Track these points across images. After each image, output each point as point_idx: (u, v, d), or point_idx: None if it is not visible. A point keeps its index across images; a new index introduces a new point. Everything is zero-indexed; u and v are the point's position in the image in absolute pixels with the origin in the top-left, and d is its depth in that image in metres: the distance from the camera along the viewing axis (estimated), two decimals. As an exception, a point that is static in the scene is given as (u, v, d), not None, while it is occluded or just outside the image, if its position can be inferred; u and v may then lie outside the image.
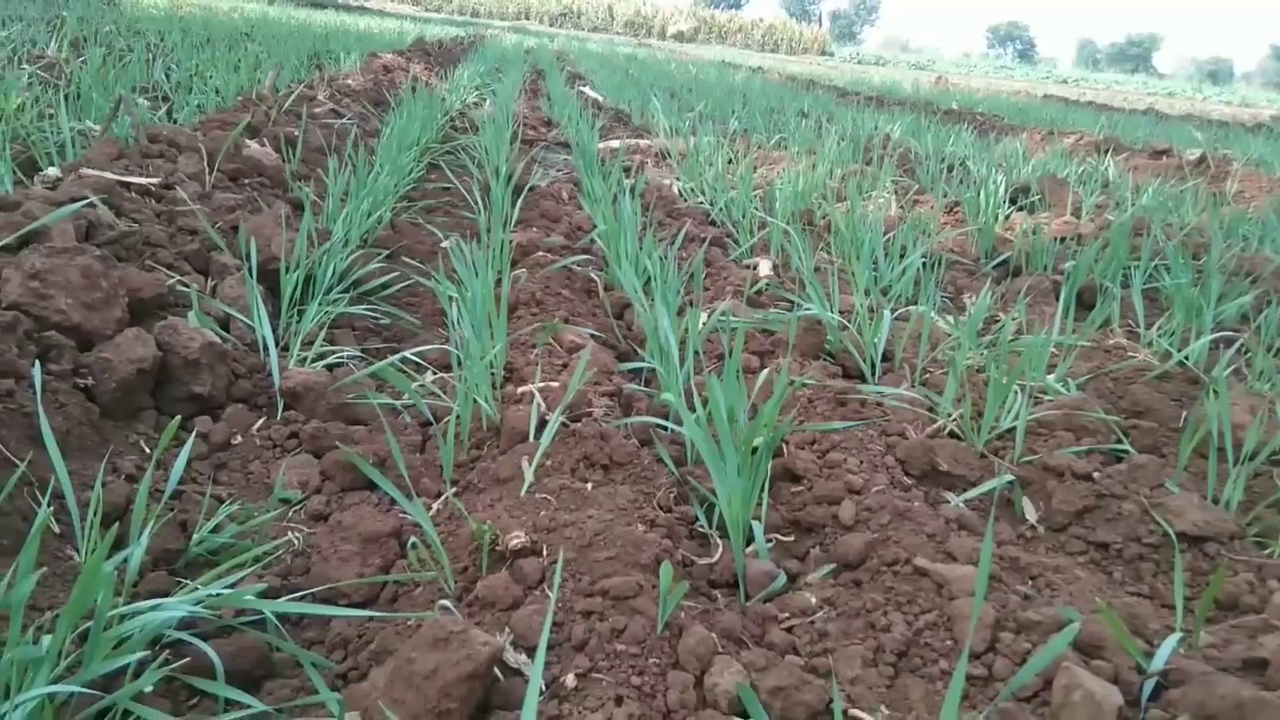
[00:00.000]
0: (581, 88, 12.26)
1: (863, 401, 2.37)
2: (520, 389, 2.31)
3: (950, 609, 1.60)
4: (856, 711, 1.46)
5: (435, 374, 2.56)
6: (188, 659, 1.38)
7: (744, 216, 4.30)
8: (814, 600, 1.73)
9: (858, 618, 1.65)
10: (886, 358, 2.78)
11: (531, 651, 1.42)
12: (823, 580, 1.79)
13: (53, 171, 2.84)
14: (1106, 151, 8.37)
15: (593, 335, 2.75)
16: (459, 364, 2.43)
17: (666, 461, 2.02)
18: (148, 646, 1.36)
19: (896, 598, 1.66)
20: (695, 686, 1.42)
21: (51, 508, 1.62)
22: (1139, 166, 8.02)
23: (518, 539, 1.59)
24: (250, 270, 2.61)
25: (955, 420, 2.33)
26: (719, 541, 1.85)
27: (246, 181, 3.55)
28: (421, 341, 2.89)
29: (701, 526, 1.94)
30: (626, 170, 5.87)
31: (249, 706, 1.33)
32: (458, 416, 2.17)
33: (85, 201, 2.21)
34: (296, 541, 1.87)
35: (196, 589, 1.49)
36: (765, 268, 3.61)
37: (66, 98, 4.87)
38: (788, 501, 2.05)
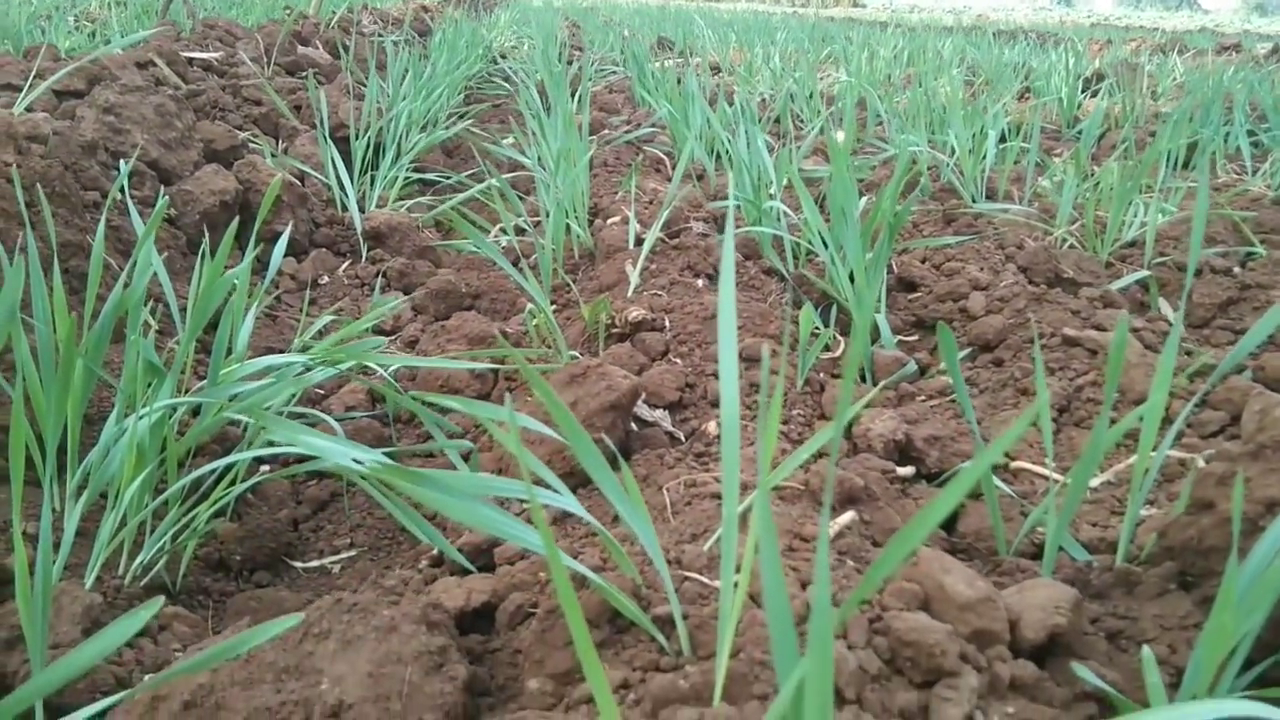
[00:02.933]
0: (620, 31, 12.05)
1: (975, 216, 2.23)
2: (610, 220, 2.21)
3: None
4: (1020, 463, 1.35)
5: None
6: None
7: (810, 98, 4.14)
8: (952, 381, 1.61)
9: (1004, 389, 1.54)
10: (989, 195, 2.63)
11: (668, 408, 1.33)
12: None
13: (116, 50, 2.77)
14: (1171, 51, 8.03)
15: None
16: (545, 212, 2.33)
17: (775, 262, 1.90)
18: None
19: (1047, 365, 1.54)
20: (845, 437, 1.31)
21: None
22: (1208, 63, 7.67)
23: (637, 312, 1.49)
24: (323, 129, 2.53)
25: (1074, 232, 2.19)
26: (840, 339, 1.74)
27: (303, 74, 3.47)
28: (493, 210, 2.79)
29: (819, 327, 1.82)
30: (680, 80, 5.73)
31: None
32: (551, 251, 2.08)
33: (148, 35, 2.13)
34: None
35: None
36: (842, 136, 3.46)
37: (119, 22, 4.83)
38: (905, 307, 1.92)
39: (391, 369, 1.55)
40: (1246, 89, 4.28)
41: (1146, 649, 0.80)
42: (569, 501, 0.83)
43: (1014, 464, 1.36)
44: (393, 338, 1.97)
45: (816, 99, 4.08)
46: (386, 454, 1.31)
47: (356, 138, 2.69)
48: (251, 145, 2.42)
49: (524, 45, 9.38)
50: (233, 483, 1.11)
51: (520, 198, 2.86)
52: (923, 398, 1.58)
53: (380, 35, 5.42)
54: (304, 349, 1.68)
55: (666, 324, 1.51)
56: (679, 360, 1.43)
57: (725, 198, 2.75)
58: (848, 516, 0.95)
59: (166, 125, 2.06)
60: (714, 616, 0.80)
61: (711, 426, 1.27)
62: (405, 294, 2.09)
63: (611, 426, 1.19)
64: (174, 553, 1.09)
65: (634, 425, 1.28)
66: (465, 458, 1.43)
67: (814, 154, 3.13)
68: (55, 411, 1.00)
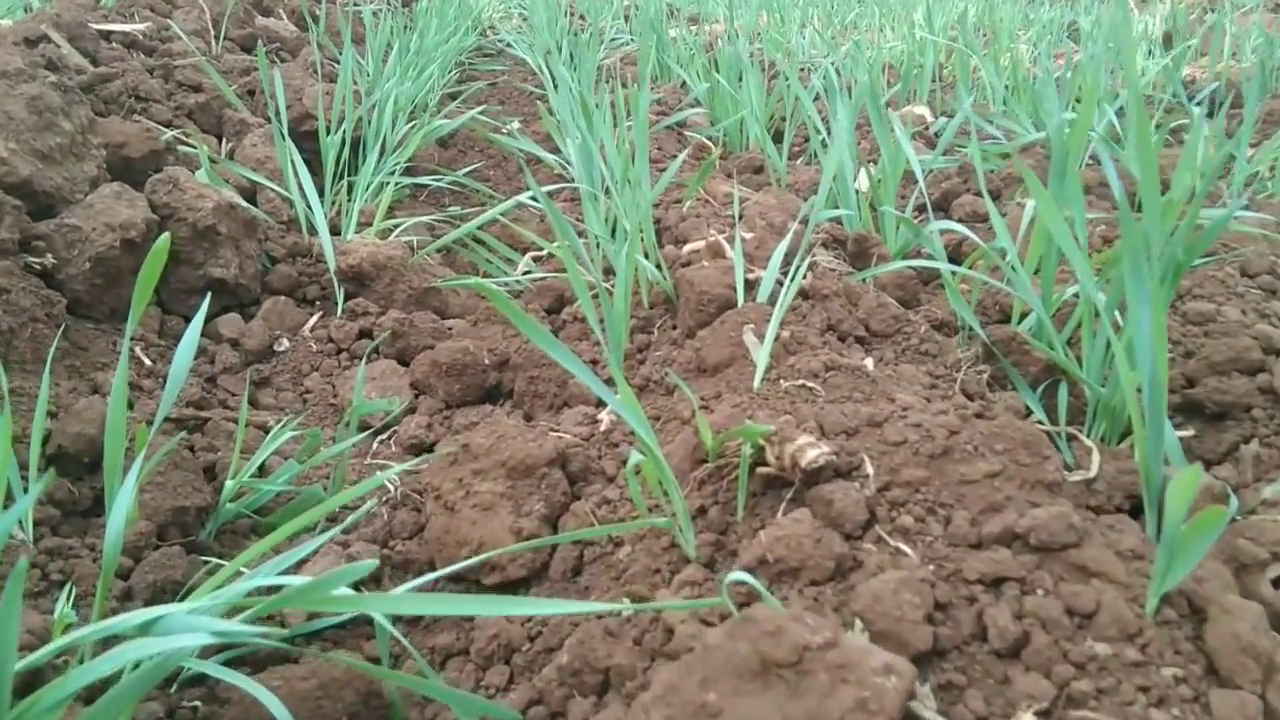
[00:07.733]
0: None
1: (1195, 227, 1.60)
2: (687, 247, 1.57)
3: None
4: None
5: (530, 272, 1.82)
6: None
7: (870, 68, 3.49)
8: (1304, 525, 0.98)
9: None
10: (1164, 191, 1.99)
11: (915, 660, 0.70)
12: (1299, 493, 1.04)
13: (5, 22, 2.11)
14: (1214, 9, 7.37)
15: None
16: (593, 236, 1.69)
17: (959, 309, 1.26)
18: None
19: None
20: (1268, 715, 0.69)
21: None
22: (1268, 21, 7.03)
23: (815, 452, 0.85)
24: (280, 121, 1.88)
25: (1339, 250, 1.56)
26: (1089, 443, 1.11)
27: (263, 51, 2.80)
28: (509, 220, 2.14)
29: (1040, 421, 1.19)
30: (708, 48, 5.06)
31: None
32: (599, 290, 1.43)
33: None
34: (392, 487, 1.16)
35: (232, 580, 0.77)
36: (925, 112, 2.83)
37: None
38: (1151, 377, 1.29)
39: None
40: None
41: None
42: None
43: None
44: (386, 437, 1.33)
45: (878, 68, 3.43)
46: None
47: (328, 132, 2.03)
48: (183, 147, 1.76)
49: (513, 16, 8.65)
50: None
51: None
52: (1265, 554, 0.96)
53: (357, 4, 4.73)
54: (236, 496, 1.05)
55: (867, 465, 0.87)
56: (903, 544, 0.80)
57: (804, 197, 2.11)
58: None
59: (46, 127, 1.41)
60: None
61: (1026, 722, 0.65)
62: (401, 364, 1.45)
63: (871, 787, 0.56)
64: None
65: None
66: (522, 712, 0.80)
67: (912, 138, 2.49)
68: None
